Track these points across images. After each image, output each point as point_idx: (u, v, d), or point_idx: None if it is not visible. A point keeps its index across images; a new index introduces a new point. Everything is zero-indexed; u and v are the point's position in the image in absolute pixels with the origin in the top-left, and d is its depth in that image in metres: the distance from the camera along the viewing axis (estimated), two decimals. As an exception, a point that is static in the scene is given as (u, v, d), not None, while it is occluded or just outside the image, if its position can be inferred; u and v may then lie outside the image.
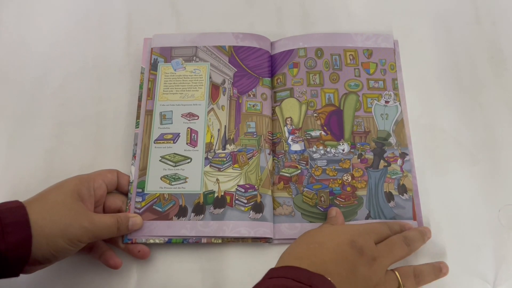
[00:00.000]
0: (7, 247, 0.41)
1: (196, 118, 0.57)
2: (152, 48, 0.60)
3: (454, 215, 0.54)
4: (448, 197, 0.55)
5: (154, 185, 0.54)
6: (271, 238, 0.52)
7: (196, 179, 0.54)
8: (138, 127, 0.57)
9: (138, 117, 0.57)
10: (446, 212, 0.54)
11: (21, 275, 0.44)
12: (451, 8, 0.65)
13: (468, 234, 0.53)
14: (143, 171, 0.54)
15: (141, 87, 0.59)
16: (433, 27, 0.64)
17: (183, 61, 0.60)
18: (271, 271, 0.42)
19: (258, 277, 0.41)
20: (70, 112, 0.61)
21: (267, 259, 0.52)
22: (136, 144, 0.56)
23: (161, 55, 0.60)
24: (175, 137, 0.56)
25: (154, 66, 0.59)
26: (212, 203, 0.53)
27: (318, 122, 0.57)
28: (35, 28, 0.66)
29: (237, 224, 0.51)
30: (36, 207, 0.44)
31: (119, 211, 0.52)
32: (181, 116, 0.57)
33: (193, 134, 0.56)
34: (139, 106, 0.58)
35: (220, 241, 0.51)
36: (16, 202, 0.44)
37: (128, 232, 0.51)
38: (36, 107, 0.61)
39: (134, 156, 0.55)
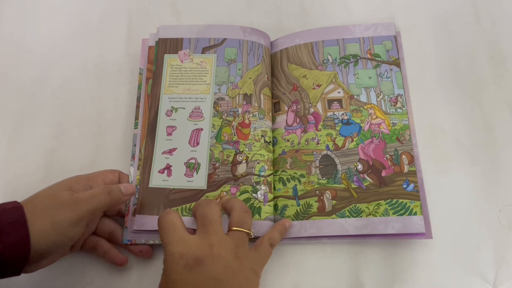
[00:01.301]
0: (4, 249, 0.41)
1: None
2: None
3: (454, 215, 0.54)
4: (448, 197, 0.55)
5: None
6: None
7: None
8: (137, 128, 0.57)
9: (137, 118, 0.57)
10: (446, 212, 0.54)
11: (22, 274, 0.44)
12: (451, 8, 0.65)
13: (468, 234, 0.53)
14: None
15: (139, 87, 0.59)
16: (433, 27, 0.64)
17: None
18: None
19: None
20: (70, 112, 0.61)
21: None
22: (135, 145, 0.56)
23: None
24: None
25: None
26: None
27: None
28: (35, 28, 0.66)
29: None
30: (29, 205, 0.44)
31: (118, 212, 0.52)
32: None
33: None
34: (137, 107, 0.58)
35: None
36: (14, 202, 0.44)
37: (125, 198, 0.48)
38: (36, 107, 0.61)
39: (133, 157, 0.55)
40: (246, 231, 0.45)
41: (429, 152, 0.57)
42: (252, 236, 0.46)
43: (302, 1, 0.67)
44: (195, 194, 0.53)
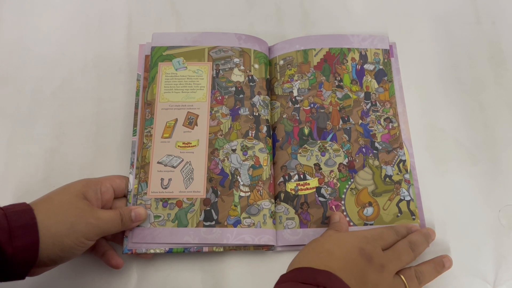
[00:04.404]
0: (14, 251, 0.41)
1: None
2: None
3: (454, 215, 0.54)
4: (448, 197, 0.55)
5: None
6: (274, 245, 0.51)
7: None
8: (135, 135, 0.56)
9: (135, 125, 0.56)
10: (446, 212, 0.54)
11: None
12: (451, 8, 0.65)
13: (468, 234, 0.53)
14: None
15: (137, 94, 0.58)
16: (433, 27, 0.64)
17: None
18: (281, 277, 0.43)
19: (261, 284, 0.41)
20: (70, 112, 0.61)
21: (270, 266, 0.52)
22: (133, 152, 0.55)
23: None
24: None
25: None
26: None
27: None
28: (35, 28, 0.66)
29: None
30: (42, 208, 0.44)
31: None
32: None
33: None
34: (135, 114, 0.57)
35: (221, 249, 0.51)
36: (24, 204, 0.44)
37: (133, 225, 0.50)
38: (36, 107, 0.61)
39: (132, 165, 0.54)
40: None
41: (429, 153, 0.57)
42: None
43: (302, 2, 0.66)
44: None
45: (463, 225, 0.53)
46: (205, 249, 0.51)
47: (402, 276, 0.46)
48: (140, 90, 0.58)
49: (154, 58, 0.59)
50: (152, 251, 0.50)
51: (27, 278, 0.44)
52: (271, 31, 0.63)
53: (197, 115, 0.56)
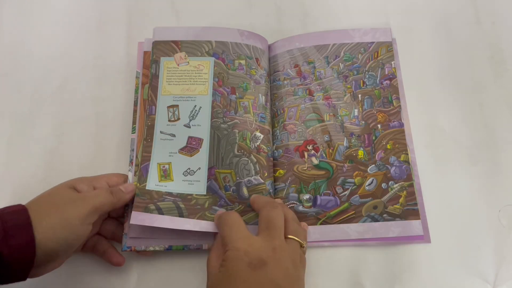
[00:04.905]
0: (10, 251, 0.41)
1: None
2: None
3: (454, 215, 0.54)
4: (448, 197, 0.55)
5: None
6: None
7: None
8: (134, 132, 0.56)
9: (134, 122, 0.56)
10: (446, 212, 0.54)
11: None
12: (451, 8, 0.65)
13: (468, 234, 0.53)
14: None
15: (136, 91, 0.58)
16: (433, 27, 0.64)
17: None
18: None
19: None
20: (70, 112, 0.61)
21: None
22: (133, 150, 0.55)
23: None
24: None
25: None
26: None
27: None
28: (35, 28, 0.66)
29: None
30: (34, 206, 0.44)
31: (122, 214, 0.52)
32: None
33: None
34: (135, 111, 0.57)
35: None
36: (18, 205, 0.44)
37: (126, 196, 0.49)
38: (36, 107, 0.61)
39: (131, 162, 0.54)
40: (301, 241, 0.46)
41: (429, 153, 0.57)
42: (305, 248, 0.47)
43: (302, 2, 0.66)
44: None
45: (463, 225, 0.53)
46: (205, 246, 0.51)
47: (290, 236, 0.45)
48: (139, 88, 0.58)
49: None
50: (151, 248, 0.50)
51: (28, 279, 0.44)
52: (271, 31, 0.63)
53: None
